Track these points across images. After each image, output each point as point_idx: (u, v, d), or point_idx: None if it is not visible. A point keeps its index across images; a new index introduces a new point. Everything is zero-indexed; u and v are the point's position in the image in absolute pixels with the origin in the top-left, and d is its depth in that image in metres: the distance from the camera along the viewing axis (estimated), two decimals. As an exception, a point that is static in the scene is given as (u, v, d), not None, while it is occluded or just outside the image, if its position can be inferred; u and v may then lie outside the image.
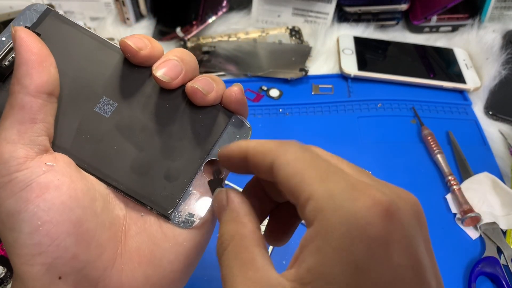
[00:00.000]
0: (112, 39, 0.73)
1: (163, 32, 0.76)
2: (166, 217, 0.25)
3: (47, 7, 0.26)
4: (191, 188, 0.26)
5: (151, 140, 0.26)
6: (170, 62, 0.26)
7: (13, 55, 0.24)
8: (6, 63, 0.24)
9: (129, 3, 0.74)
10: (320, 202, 0.17)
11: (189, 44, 0.74)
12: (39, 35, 0.24)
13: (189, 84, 0.26)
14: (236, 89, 0.27)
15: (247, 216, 0.21)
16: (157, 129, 0.26)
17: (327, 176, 0.18)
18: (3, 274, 0.38)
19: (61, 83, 0.24)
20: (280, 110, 0.64)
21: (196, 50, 0.73)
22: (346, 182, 0.18)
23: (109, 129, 0.25)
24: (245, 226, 0.20)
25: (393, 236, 0.16)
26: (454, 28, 0.75)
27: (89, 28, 0.76)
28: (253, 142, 0.22)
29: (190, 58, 0.27)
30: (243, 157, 0.22)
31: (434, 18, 0.74)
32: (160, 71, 0.25)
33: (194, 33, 0.74)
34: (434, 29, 0.75)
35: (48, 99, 0.23)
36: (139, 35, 0.26)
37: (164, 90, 0.27)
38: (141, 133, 0.26)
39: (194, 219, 0.25)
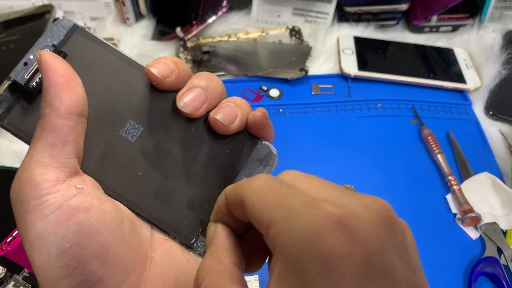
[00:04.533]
0: (112, 39, 0.73)
1: (163, 32, 0.76)
2: (188, 246, 0.25)
3: (74, 24, 0.25)
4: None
5: (176, 167, 0.26)
6: (194, 91, 0.25)
7: (40, 75, 0.24)
8: (34, 84, 0.24)
9: (129, 3, 0.74)
10: (277, 226, 0.17)
11: (189, 44, 0.74)
12: (66, 54, 0.24)
13: (211, 114, 0.25)
14: (259, 114, 0.26)
15: (225, 251, 0.20)
16: (181, 155, 0.26)
17: (285, 200, 0.17)
18: (3, 274, 0.38)
19: (87, 104, 0.24)
20: (280, 110, 0.64)
21: (196, 50, 0.73)
22: (301, 201, 0.17)
23: (134, 154, 0.25)
24: (221, 262, 0.20)
25: (348, 249, 0.15)
26: (454, 28, 0.75)
27: (89, 28, 0.76)
28: (229, 186, 0.21)
29: (215, 85, 0.26)
30: (226, 203, 0.21)
31: (434, 18, 0.74)
32: (183, 102, 0.25)
33: (194, 33, 0.74)
34: (434, 29, 0.75)
35: (79, 120, 0.23)
36: (165, 59, 0.25)
37: None
38: (165, 159, 0.25)
39: None
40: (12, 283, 0.39)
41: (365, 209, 0.16)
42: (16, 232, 0.39)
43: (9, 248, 0.38)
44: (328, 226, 0.15)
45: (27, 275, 0.39)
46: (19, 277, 0.39)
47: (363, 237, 0.15)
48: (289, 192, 0.18)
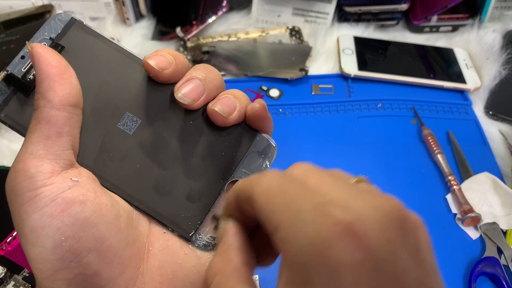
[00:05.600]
0: (112, 39, 0.73)
1: (163, 32, 0.76)
2: (187, 239, 0.25)
3: (72, 17, 0.25)
4: (213, 210, 0.25)
5: (174, 159, 0.25)
6: (192, 82, 0.25)
7: None
8: (31, 76, 0.24)
9: (129, 3, 0.74)
10: (284, 232, 0.16)
11: (189, 44, 0.74)
12: (63, 47, 0.24)
13: (210, 106, 0.25)
14: (258, 106, 0.25)
15: (235, 250, 0.20)
16: (180, 148, 0.26)
17: (292, 202, 0.17)
18: (3, 274, 0.38)
19: (85, 97, 0.24)
20: (280, 110, 0.64)
21: (196, 50, 0.73)
22: (309, 204, 0.16)
23: (132, 147, 0.25)
24: (230, 262, 0.20)
25: (357, 257, 0.15)
26: (454, 28, 0.75)
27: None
28: (240, 181, 0.21)
29: (213, 76, 0.26)
30: (235, 199, 0.21)
31: (434, 18, 0.74)
32: (181, 93, 0.25)
33: (194, 33, 0.74)
34: (434, 29, 0.75)
35: (73, 111, 0.23)
36: (163, 51, 0.25)
37: None
38: (164, 152, 0.25)
39: (216, 242, 0.25)
40: (12, 283, 0.39)
41: (376, 212, 0.16)
42: (16, 232, 0.39)
43: (9, 248, 0.38)
44: (336, 234, 0.15)
45: (27, 275, 0.39)
46: (19, 277, 0.39)
47: (372, 244, 0.15)
48: (298, 193, 0.17)
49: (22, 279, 0.39)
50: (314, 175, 0.19)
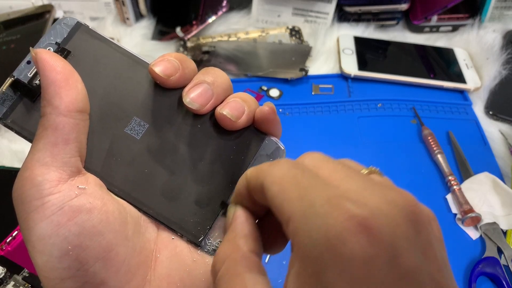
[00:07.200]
0: (112, 39, 0.73)
1: (163, 32, 0.76)
2: (196, 244, 0.25)
3: (77, 21, 0.25)
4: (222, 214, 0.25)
5: (182, 164, 0.25)
6: (201, 86, 0.25)
7: None
8: (37, 82, 0.24)
9: (129, 3, 0.74)
10: (296, 223, 0.16)
11: (189, 44, 0.74)
12: (69, 52, 0.24)
13: (218, 109, 0.25)
14: (267, 109, 0.25)
15: (243, 238, 0.20)
16: (188, 152, 0.25)
17: (306, 193, 0.17)
18: (3, 274, 0.38)
19: (92, 102, 0.24)
20: (280, 110, 0.64)
21: (196, 50, 0.73)
22: (323, 197, 0.16)
23: (140, 151, 0.25)
24: (238, 249, 0.20)
25: (370, 253, 0.15)
26: (454, 28, 0.75)
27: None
28: (251, 168, 0.21)
29: (222, 80, 0.25)
30: (246, 186, 0.21)
31: (434, 18, 0.74)
32: (189, 97, 0.24)
33: (194, 33, 0.74)
34: (434, 29, 0.75)
35: (80, 117, 0.22)
36: (169, 56, 0.25)
37: None
38: (172, 156, 0.25)
39: None
40: (12, 283, 0.39)
41: (389, 206, 0.16)
42: (16, 232, 0.39)
43: (9, 248, 0.38)
44: (350, 228, 0.15)
45: (27, 275, 0.39)
46: (19, 277, 0.39)
47: (385, 239, 0.15)
48: (311, 184, 0.17)
49: (22, 279, 0.39)
50: (327, 165, 0.19)
